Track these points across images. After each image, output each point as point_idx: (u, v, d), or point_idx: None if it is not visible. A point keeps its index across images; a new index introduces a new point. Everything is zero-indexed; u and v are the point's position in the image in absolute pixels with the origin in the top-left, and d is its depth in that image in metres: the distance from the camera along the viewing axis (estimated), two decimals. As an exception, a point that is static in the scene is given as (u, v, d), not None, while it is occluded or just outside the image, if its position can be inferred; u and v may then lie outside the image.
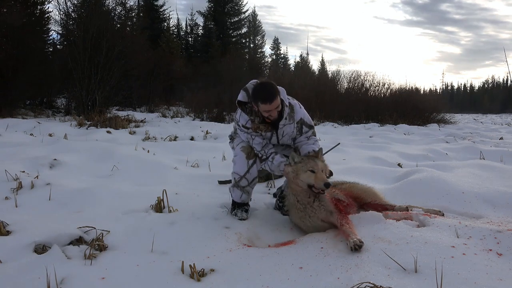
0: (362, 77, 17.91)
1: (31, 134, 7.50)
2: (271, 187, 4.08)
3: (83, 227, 2.59)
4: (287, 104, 2.89)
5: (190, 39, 37.33)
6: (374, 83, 17.85)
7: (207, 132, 8.93)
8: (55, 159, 4.70)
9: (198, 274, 2.02)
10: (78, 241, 2.46)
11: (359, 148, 6.96)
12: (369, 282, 1.74)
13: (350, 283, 1.80)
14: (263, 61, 37.62)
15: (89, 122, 9.84)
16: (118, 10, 16.76)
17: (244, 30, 37.92)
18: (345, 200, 2.79)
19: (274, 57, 46.22)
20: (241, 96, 2.93)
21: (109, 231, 2.59)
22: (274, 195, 3.56)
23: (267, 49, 56.54)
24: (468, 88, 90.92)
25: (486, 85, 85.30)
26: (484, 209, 2.97)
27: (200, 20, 38.26)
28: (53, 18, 15.55)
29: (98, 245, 2.34)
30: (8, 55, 12.05)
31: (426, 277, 1.80)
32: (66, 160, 4.75)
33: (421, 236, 2.22)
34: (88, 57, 12.23)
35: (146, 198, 3.31)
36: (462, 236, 2.24)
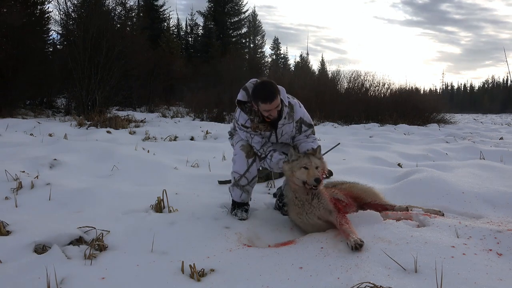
0: (362, 77, 17.98)
1: (31, 134, 7.51)
2: (271, 187, 4.08)
3: (83, 227, 2.59)
4: (287, 104, 2.89)
5: (190, 39, 37.36)
6: (374, 83, 17.91)
7: (207, 132, 8.94)
8: (55, 159, 4.70)
9: (198, 274, 2.02)
10: (78, 241, 2.46)
11: (359, 148, 6.96)
12: (369, 282, 1.74)
13: (350, 283, 1.80)
14: (263, 61, 37.63)
15: (89, 122, 9.85)
16: (118, 10, 16.82)
17: (244, 30, 37.96)
18: (344, 200, 2.79)
19: (274, 57, 46.26)
20: (241, 96, 2.93)
21: (109, 231, 2.59)
22: (274, 195, 3.56)
23: (267, 49, 56.52)
24: (468, 88, 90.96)
25: (486, 85, 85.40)
26: (484, 209, 2.98)
27: (200, 20, 38.35)
28: (53, 18, 15.61)
29: (98, 245, 2.35)
30: (8, 55, 12.05)
31: (426, 277, 1.80)
32: (66, 160, 4.76)
33: (421, 236, 2.22)
34: (88, 57, 12.23)
35: (146, 198, 3.31)
36: (462, 236, 2.24)
